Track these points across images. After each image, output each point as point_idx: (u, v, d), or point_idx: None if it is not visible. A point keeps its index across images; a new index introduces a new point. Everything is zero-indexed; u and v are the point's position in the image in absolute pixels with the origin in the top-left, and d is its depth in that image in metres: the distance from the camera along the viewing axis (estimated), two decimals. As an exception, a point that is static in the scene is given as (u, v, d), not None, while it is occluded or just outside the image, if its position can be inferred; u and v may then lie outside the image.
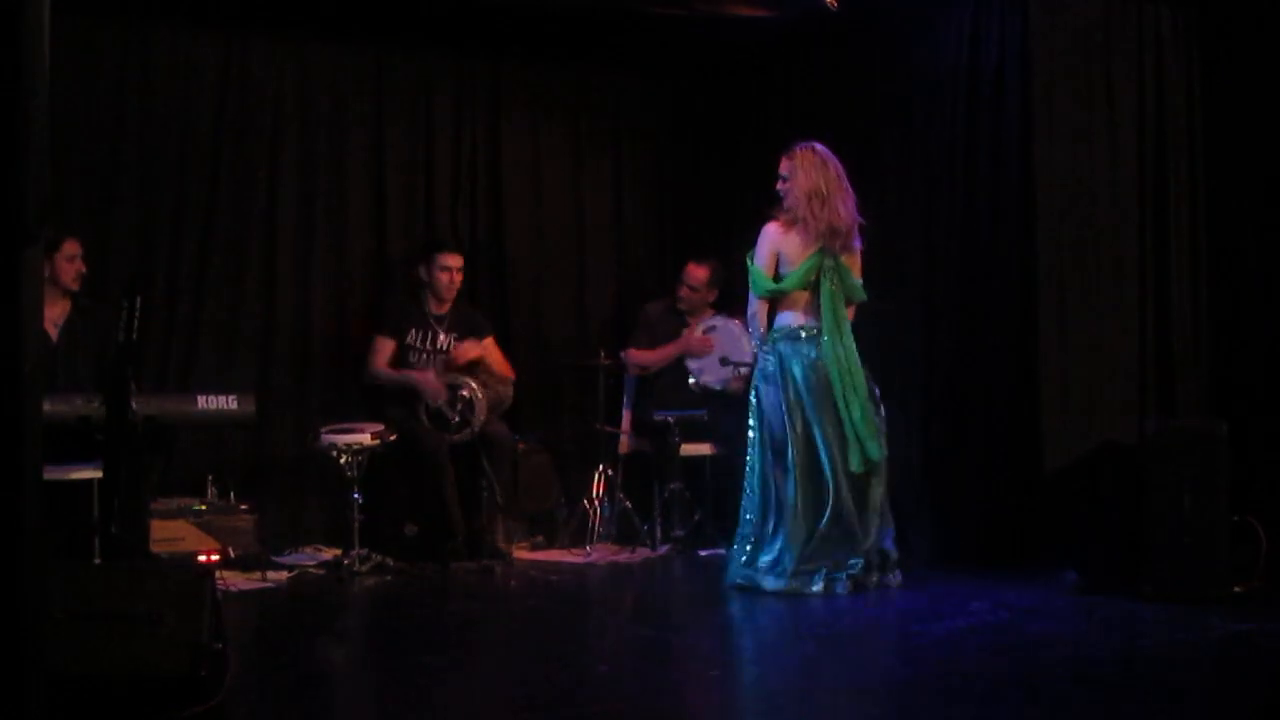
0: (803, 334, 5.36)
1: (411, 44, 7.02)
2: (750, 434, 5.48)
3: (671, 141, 7.74)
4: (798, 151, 5.39)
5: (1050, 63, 5.80)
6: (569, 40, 7.16)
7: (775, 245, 5.39)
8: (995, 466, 5.89)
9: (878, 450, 5.29)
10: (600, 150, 7.59)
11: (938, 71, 6.26)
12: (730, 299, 6.84)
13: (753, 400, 5.48)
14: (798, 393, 5.30)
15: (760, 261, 5.40)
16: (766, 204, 5.49)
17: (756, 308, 5.46)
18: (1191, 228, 6.00)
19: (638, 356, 6.84)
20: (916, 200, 6.32)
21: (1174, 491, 4.88)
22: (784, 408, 5.30)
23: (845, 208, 5.35)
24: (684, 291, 6.91)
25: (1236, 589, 4.87)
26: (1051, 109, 5.79)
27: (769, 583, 5.22)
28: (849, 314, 5.46)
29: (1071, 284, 5.79)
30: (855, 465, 5.25)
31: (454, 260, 6.51)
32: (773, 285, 5.38)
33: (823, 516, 5.22)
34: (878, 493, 5.33)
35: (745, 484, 5.48)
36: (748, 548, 5.36)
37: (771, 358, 5.38)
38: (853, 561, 5.22)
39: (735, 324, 6.55)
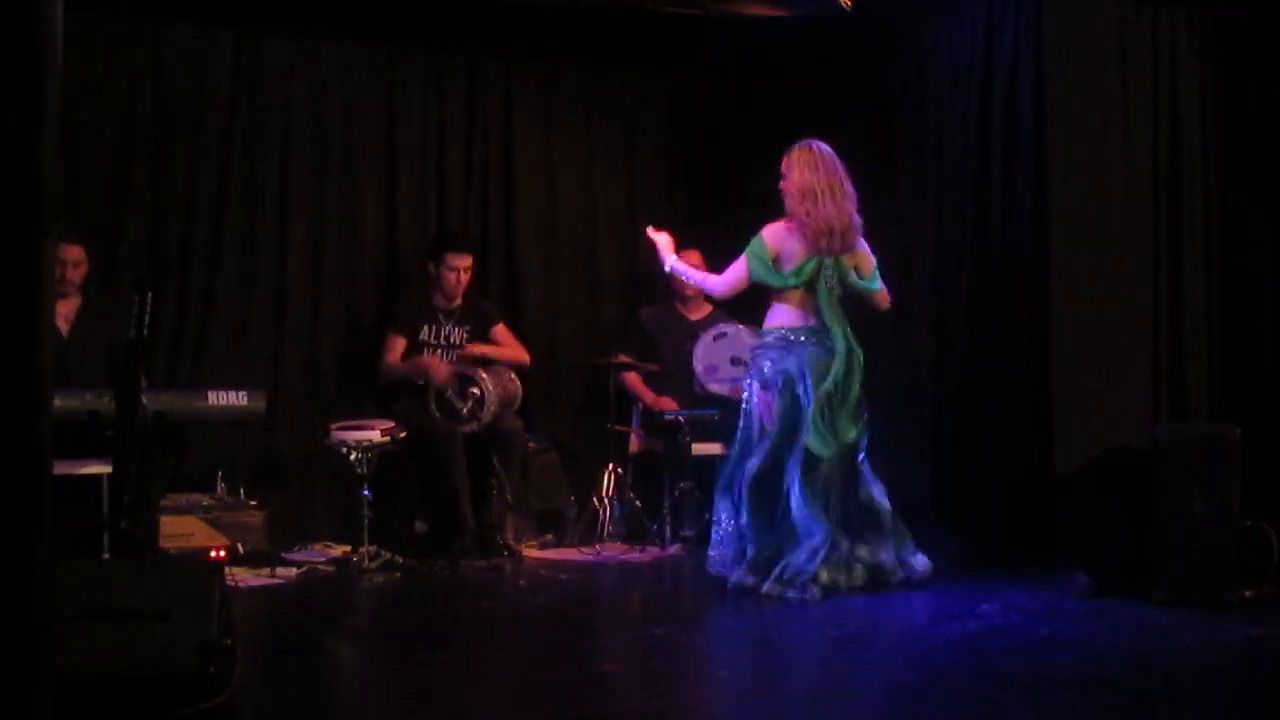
0: (793, 336, 5.27)
1: (423, 41, 7.02)
2: (739, 434, 5.41)
3: (684, 139, 7.73)
4: (795, 150, 5.34)
5: (1065, 61, 5.78)
6: (581, 38, 7.15)
7: (777, 244, 5.34)
8: (1006, 468, 5.88)
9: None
10: (612, 148, 7.59)
11: (952, 69, 6.24)
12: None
13: (744, 403, 5.40)
14: (796, 394, 5.21)
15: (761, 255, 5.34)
16: (770, 207, 5.46)
17: (731, 279, 5.43)
18: (1205, 229, 5.98)
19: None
20: (928, 200, 6.31)
21: (1186, 495, 4.86)
22: (780, 411, 5.21)
23: (839, 207, 5.24)
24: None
25: (1247, 593, 4.85)
26: (1066, 108, 5.77)
27: (775, 585, 5.18)
28: (883, 299, 5.43)
29: (1084, 286, 5.76)
30: (826, 451, 5.17)
31: (462, 260, 6.51)
32: (767, 273, 5.29)
33: (825, 515, 5.20)
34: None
35: (734, 484, 5.37)
36: (746, 547, 5.29)
37: (766, 360, 5.31)
38: (856, 559, 5.21)
39: (743, 329, 6.51)
